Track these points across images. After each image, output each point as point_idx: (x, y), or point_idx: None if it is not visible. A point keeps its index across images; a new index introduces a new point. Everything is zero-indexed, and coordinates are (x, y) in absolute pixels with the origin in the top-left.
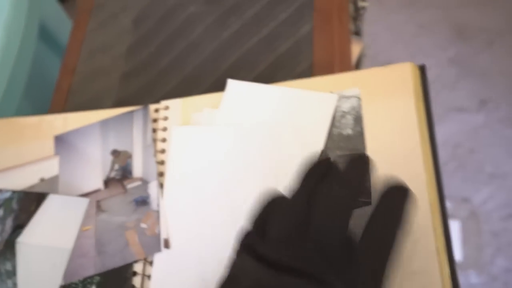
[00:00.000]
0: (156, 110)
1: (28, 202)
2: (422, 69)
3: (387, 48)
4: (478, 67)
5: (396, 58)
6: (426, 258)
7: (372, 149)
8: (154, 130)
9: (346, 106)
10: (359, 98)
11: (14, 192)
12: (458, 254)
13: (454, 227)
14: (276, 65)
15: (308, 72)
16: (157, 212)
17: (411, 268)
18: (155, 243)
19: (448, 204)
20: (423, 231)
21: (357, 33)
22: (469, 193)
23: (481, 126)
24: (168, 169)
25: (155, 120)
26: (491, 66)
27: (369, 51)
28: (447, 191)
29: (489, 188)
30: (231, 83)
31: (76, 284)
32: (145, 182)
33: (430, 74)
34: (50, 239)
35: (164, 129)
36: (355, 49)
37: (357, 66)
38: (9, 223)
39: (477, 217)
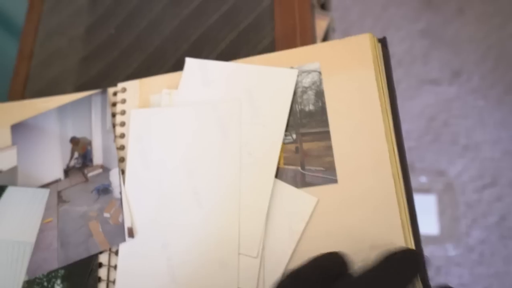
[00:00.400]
0: (115, 94)
1: None
2: (383, 42)
3: (357, 22)
4: (449, 37)
5: (367, 31)
6: (390, 231)
7: (333, 123)
8: (114, 115)
9: (307, 81)
10: (319, 73)
11: None
12: (434, 228)
13: (430, 200)
14: (238, 42)
15: (271, 47)
16: (120, 200)
17: (376, 242)
18: (119, 232)
19: (424, 178)
20: (386, 205)
21: (324, 6)
22: (444, 165)
23: (454, 98)
24: (128, 154)
25: (114, 104)
26: (462, 35)
27: (338, 25)
28: (422, 164)
29: (463, 160)
30: (189, 62)
31: (40, 278)
32: (106, 170)
33: (401, 47)
34: (11, 233)
35: (123, 112)
36: (322, 23)
37: (325, 40)
38: None
39: (453, 189)
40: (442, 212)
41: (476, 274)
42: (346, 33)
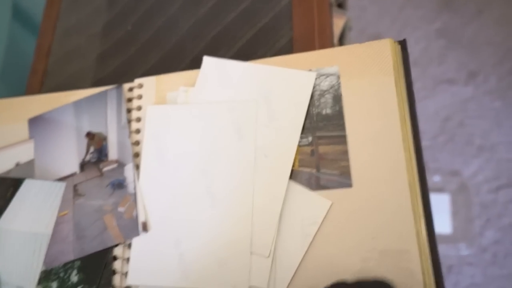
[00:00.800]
0: (131, 89)
1: (4, 187)
2: (403, 44)
3: (374, 21)
4: (467, 38)
5: (383, 31)
6: (403, 239)
7: (350, 128)
8: (129, 110)
9: (325, 84)
10: (338, 76)
11: None
12: (447, 227)
13: (444, 200)
14: (255, 41)
15: (289, 46)
16: (134, 195)
17: (387, 248)
18: (133, 226)
19: (438, 178)
20: (401, 213)
21: (341, 5)
22: (459, 166)
23: (470, 98)
24: (143, 150)
25: (129, 100)
26: (480, 36)
27: (355, 25)
28: (437, 164)
29: (478, 161)
30: (207, 60)
31: (57, 269)
32: (121, 165)
33: (418, 47)
34: (28, 225)
35: (139, 108)
36: (338, 22)
37: (341, 39)
38: None
39: (467, 190)
40: (455, 212)
41: (489, 274)
42: (362, 33)
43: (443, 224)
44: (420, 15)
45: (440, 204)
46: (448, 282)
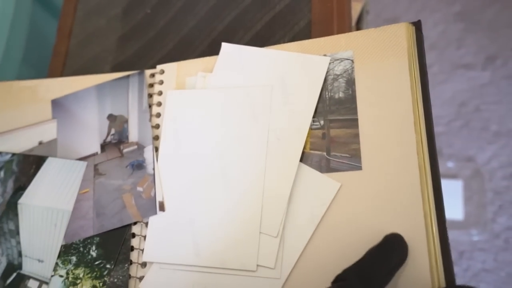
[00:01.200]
0: (152, 75)
1: (28, 164)
2: (417, 25)
3: (391, 4)
4: (486, 22)
5: (400, 14)
6: (412, 222)
7: (362, 112)
8: (150, 95)
9: (338, 69)
10: (352, 61)
11: (13, 154)
12: (460, 213)
13: (457, 185)
14: (274, 23)
15: (307, 30)
16: (153, 175)
17: (396, 231)
18: (151, 205)
19: (452, 164)
20: (410, 195)
21: None
22: (474, 152)
23: (488, 83)
24: (162, 132)
25: (151, 85)
26: (499, 19)
27: (372, 8)
28: (451, 150)
29: (493, 147)
30: (225, 47)
31: (77, 244)
32: (141, 147)
33: (436, 31)
34: (50, 201)
35: (160, 93)
36: (356, 6)
37: (359, 23)
38: (10, 185)
39: (481, 176)
40: (468, 198)
41: (500, 260)
42: (379, 16)
43: (455, 210)
44: None
45: (453, 190)
46: (460, 267)
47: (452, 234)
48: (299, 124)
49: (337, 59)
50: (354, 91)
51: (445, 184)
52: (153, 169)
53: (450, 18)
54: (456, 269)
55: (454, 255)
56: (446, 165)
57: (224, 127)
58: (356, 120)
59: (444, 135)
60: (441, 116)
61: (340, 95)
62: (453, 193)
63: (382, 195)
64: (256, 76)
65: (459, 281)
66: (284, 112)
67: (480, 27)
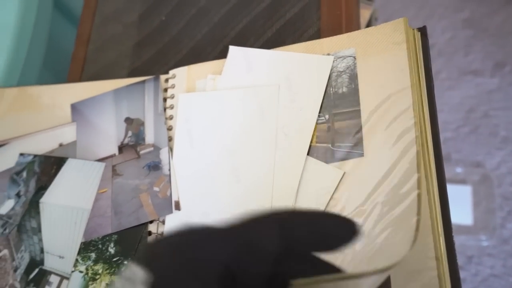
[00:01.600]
0: (167, 80)
1: (49, 165)
2: (423, 31)
3: (400, 10)
4: (494, 28)
5: (409, 20)
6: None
7: (364, 100)
8: (165, 99)
9: (342, 66)
10: (354, 58)
11: (35, 156)
12: (468, 218)
13: (466, 191)
14: (284, 31)
15: (316, 36)
16: (168, 176)
17: (397, 215)
18: (167, 205)
19: (460, 169)
20: (414, 199)
21: None
22: (482, 157)
23: (496, 89)
24: (176, 134)
25: (165, 90)
26: (508, 26)
27: (381, 14)
28: (459, 155)
29: (502, 153)
30: (232, 50)
31: (95, 241)
32: (157, 148)
33: (444, 37)
34: (70, 200)
35: (172, 96)
36: (365, 13)
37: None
38: (32, 185)
39: (489, 181)
40: (477, 204)
41: (509, 265)
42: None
43: (464, 215)
44: (446, 4)
45: (462, 195)
46: (468, 272)
47: (460, 239)
48: (306, 120)
49: (340, 57)
50: (356, 85)
51: (453, 189)
52: (169, 170)
53: (458, 25)
54: (465, 274)
55: (462, 260)
56: (454, 170)
57: (234, 126)
58: (359, 111)
59: (452, 141)
60: (449, 122)
61: (344, 89)
62: (462, 198)
63: (383, 180)
64: (263, 76)
65: (467, 286)
66: (291, 109)
67: (488, 33)
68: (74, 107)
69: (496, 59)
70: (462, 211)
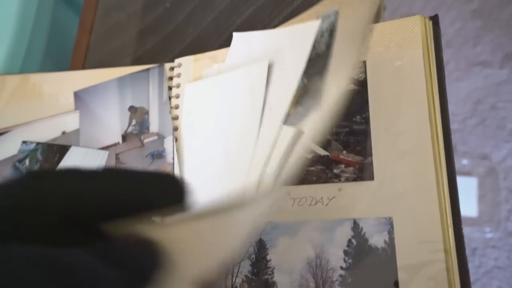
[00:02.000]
0: (172, 69)
1: (52, 153)
2: (434, 20)
3: (408, 0)
4: (504, 19)
5: (416, 11)
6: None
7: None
8: (169, 88)
9: (325, 25)
10: (337, 12)
11: (38, 143)
12: (473, 210)
13: (471, 183)
14: (290, 19)
15: None
16: (172, 165)
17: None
18: None
19: (466, 161)
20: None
21: None
22: (489, 150)
23: (504, 81)
24: (182, 124)
25: (170, 78)
26: None
27: (390, 4)
28: (466, 147)
29: (509, 145)
30: (236, 36)
31: None
32: (161, 137)
33: (452, 28)
34: None
35: (178, 85)
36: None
37: (376, 19)
38: None
39: (496, 174)
40: (482, 196)
41: None
42: (395, 12)
43: (469, 207)
44: None
45: (468, 187)
46: (472, 263)
47: (465, 231)
48: (288, 90)
49: (326, 17)
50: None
51: (459, 181)
52: (173, 158)
53: (467, 16)
54: (469, 266)
55: (467, 252)
56: (460, 162)
57: (229, 108)
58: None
59: (459, 132)
60: (456, 113)
61: (323, 47)
62: (467, 190)
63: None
64: (260, 57)
65: (471, 277)
66: (277, 82)
67: (497, 25)
68: (77, 95)
69: (506, 51)
70: (467, 203)
